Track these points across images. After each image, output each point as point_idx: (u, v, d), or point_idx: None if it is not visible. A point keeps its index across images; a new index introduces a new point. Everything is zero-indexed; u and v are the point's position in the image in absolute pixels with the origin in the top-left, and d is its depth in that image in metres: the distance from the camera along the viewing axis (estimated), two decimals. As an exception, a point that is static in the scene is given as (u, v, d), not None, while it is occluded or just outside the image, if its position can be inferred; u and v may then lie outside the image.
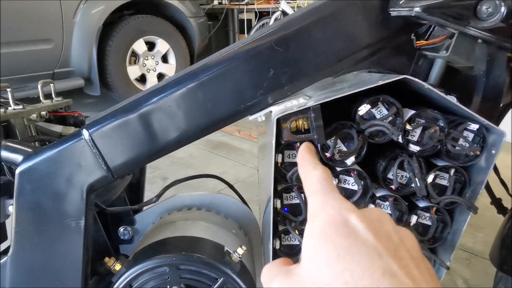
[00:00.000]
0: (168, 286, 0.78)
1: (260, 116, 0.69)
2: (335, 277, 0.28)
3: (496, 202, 1.11)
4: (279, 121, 0.63)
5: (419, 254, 0.31)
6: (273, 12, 4.72)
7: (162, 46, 4.19)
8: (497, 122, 0.79)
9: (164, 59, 4.29)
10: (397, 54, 0.72)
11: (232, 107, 0.68)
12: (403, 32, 0.71)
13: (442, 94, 0.62)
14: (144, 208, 1.03)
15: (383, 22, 0.68)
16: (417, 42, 0.77)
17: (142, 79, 4.20)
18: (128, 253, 0.99)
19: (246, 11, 5.49)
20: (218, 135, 3.53)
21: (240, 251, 0.79)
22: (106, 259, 0.81)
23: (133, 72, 4.07)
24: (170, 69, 4.25)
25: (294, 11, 4.43)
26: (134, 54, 4.09)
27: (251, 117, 0.69)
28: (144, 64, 4.15)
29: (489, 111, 0.74)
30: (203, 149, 3.27)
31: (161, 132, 0.70)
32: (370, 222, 0.31)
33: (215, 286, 0.77)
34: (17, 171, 0.70)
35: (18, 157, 0.73)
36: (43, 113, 0.92)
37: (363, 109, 0.62)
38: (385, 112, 0.66)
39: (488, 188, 0.95)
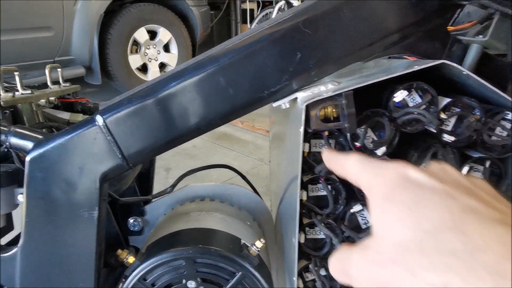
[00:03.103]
0: (184, 280, 0.75)
1: (284, 103, 0.65)
2: (413, 230, 0.25)
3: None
4: (307, 108, 0.59)
5: (496, 193, 0.28)
6: (277, 2, 4.64)
7: (164, 35, 4.13)
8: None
9: (166, 48, 4.23)
10: (429, 39, 0.68)
11: (255, 93, 0.64)
12: (437, 16, 0.67)
13: (482, 81, 0.59)
14: (154, 199, 1.00)
15: (417, 4, 0.64)
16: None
17: (144, 68, 4.15)
18: (138, 244, 0.96)
19: (249, 1, 5.42)
20: (221, 126, 3.49)
21: (259, 244, 0.76)
22: (119, 251, 0.77)
23: (135, 61, 4.01)
24: (172, 59, 4.19)
25: (299, 1, 4.37)
26: (136, 43, 4.03)
27: (275, 104, 0.65)
28: (145, 53, 4.09)
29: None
30: (206, 140, 3.24)
31: (180, 119, 0.66)
32: (431, 172, 0.29)
33: (233, 280, 0.74)
34: (28, 158, 0.67)
35: (28, 144, 0.69)
36: (52, 98, 0.88)
37: (399, 95, 0.59)
38: (418, 100, 0.62)
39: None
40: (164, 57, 4.18)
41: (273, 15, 4.51)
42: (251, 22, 5.34)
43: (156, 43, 4.12)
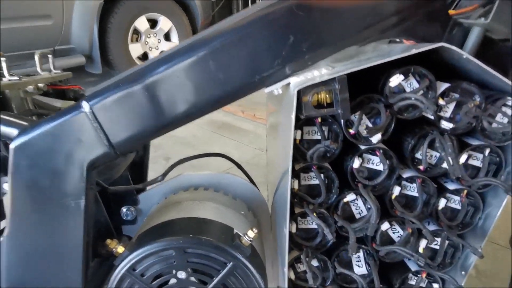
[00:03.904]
0: (174, 271, 0.73)
1: (277, 88, 0.62)
2: None
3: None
4: (299, 94, 0.57)
5: None
6: (279, -10, 4.57)
7: (164, 23, 4.08)
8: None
9: (167, 37, 4.18)
10: (429, 22, 0.65)
11: (246, 77, 0.62)
12: (437, -2, 0.64)
13: (483, 65, 0.56)
14: (148, 187, 0.98)
15: (416, -15, 0.61)
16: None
17: (145, 57, 4.10)
18: (131, 234, 0.94)
19: (251, -11, 5.34)
20: (222, 115, 3.46)
21: (251, 234, 0.73)
22: (108, 241, 0.76)
23: (135, 50, 3.97)
24: (172, 47, 4.15)
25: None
26: (136, 32, 3.98)
27: (267, 90, 0.63)
28: (146, 42, 4.05)
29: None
30: (206, 129, 3.21)
31: (168, 105, 0.64)
32: None
33: (224, 271, 0.73)
34: (12, 146, 0.65)
35: (14, 131, 0.67)
36: (41, 85, 0.86)
37: (395, 80, 0.56)
38: (416, 85, 0.59)
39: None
40: (165, 46, 4.13)
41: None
42: (253, 10, 5.27)
43: (156, 31, 4.07)
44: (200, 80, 0.62)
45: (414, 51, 0.55)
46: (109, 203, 0.94)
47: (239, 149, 2.83)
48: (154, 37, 4.14)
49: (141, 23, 4.01)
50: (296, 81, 0.60)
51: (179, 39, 4.21)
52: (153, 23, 4.13)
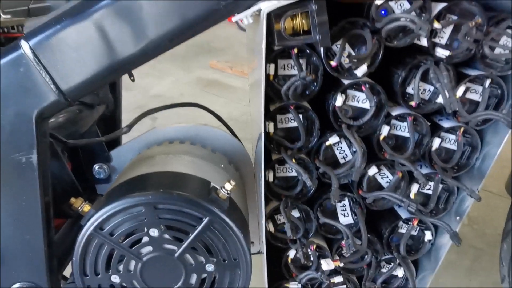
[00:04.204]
0: (145, 229, 0.68)
1: (246, 16, 0.53)
2: None
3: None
4: (270, 18, 0.48)
5: None
6: None
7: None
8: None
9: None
10: None
11: (209, 4, 0.53)
12: None
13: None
14: (122, 144, 0.91)
15: None
16: None
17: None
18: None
19: None
20: (210, 72, 3.36)
21: (228, 186, 0.68)
22: (73, 199, 0.70)
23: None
24: None
25: None
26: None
27: (234, 18, 0.54)
28: None
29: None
30: (194, 87, 3.12)
31: (121, 41, 0.55)
32: None
33: (200, 226, 0.67)
34: None
35: None
36: (-14, 30, 0.76)
37: (382, -5, 0.47)
38: (407, 5, 0.51)
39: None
40: None
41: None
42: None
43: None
44: (156, 9, 0.54)
45: (404, -40, 0.46)
46: (80, 161, 0.89)
47: (228, 106, 2.77)
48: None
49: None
50: (267, 6, 0.51)
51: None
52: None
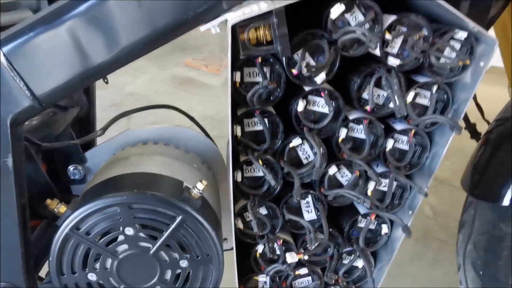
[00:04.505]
0: (121, 228, 0.70)
1: (213, 26, 0.57)
2: None
3: (471, 127, 1.07)
4: (235, 30, 0.52)
5: None
6: None
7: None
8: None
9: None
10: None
11: (178, 14, 0.56)
12: None
13: (429, -6, 0.52)
14: (97, 145, 0.93)
15: None
16: None
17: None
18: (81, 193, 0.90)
19: None
20: (185, 70, 3.35)
21: (201, 186, 0.71)
22: (48, 201, 0.71)
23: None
24: None
25: None
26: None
27: (202, 28, 0.58)
28: None
29: (477, 21, 0.65)
30: (169, 85, 3.11)
31: (94, 49, 0.58)
32: None
33: (173, 224, 0.70)
34: None
35: None
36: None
37: (336, 10, 0.52)
38: (361, 17, 0.55)
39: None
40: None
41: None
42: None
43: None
44: (127, 19, 0.56)
45: (357, -21, 0.51)
46: (55, 163, 0.89)
47: (203, 105, 2.77)
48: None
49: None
50: (233, 16, 0.54)
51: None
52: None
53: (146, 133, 0.94)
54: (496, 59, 0.87)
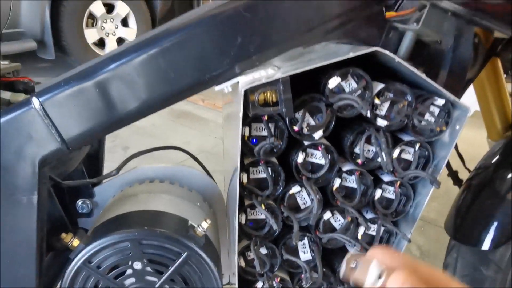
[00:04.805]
0: (130, 262, 0.76)
1: (226, 86, 0.65)
2: None
3: (453, 175, 1.15)
4: (246, 93, 0.60)
5: None
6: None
7: (121, 8, 3.95)
8: (458, 96, 0.80)
9: (124, 23, 4.06)
10: (368, 26, 0.70)
11: (196, 76, 0.64)
12: (375, 3, 0.69)
13: (412, 68, 0.62)
14: (104, 180, 0.98)
15: (355, -9, 0.65)
16: (386, 13, 0.75)
17: (101, 43, 3.97)
18: (87, 226, 0.95)
19: (211, -25, 5.27)
20: (182, 104, 3.43)
21: (205, 224, 0.77)
22: (63, 234, 0.76)
23: (91, 35, 3.83)
24: (130, 34, 4.03)
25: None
26: (92, 17, 3.84)
27: (217, 88, 0.66)
28: (102, 28, 3.92)
29: (454, 85, 0.75)
30: (166, 118, 3.18)
31: (120, 102, 0.65)
32: None
33: (179, 260, 0.76)
34: (-41, 141, 0.64)
35: (-40, 126, 0.66)
36: (-12, 78, 0.84)
37: (333, 82, 0.61)
38: (354, 85, 0.64)
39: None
40: (122, 32, 4.01)
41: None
42: (213, -3, 5.21)
43: (113, 17, 3.94)
44: (151, 78, 0.64)
45: (351, 54, 0.60)
46: (64, 197, 0.94)
47: (200, 138, 2.84)
48: (111, 22, 4.01)
49: (97, 7, 3.87)
50: (244, 80, 0.63)
51: (137, 25, 4.10)
52: (109, 7, 4.00)
53: (152, 171, 1.00)
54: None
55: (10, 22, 3.35)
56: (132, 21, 4.09)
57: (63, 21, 3.64)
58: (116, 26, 4.03)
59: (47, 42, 3.58)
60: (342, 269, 0.42)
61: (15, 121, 0.65)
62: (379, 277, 0.36)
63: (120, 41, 4.07)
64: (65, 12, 3.63)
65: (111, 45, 3.99)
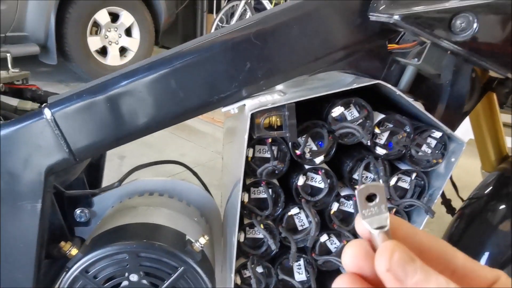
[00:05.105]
0: (126, 274, 0.77)
1: (233, 108, 0.68)
2: None
3: (446, 203, 1.18)
4: (253, 116, 0.62)
5: None
6: (244, -5, 4.63)
7: (126, 18, 4.00)
8: (454, 128, 0.83)
9: (128, 32, 4.11)
10: (371, 58, 0.73)
11: (205, 97, 0.67)
12: (379, 37, 0.72)
13: (411, 101, 0.65)
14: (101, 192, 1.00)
15: (361, 25, 0.69)
16: (388, 45, 0.79)
17: (103, 51, 4.01)
18: (84, 235, 0.96)
19: (216, -9, 5.36)
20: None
21: (202, 240, 0.78)
22: (62, 243, 0.77)
23: (94, 43, 3.87)
24: (133, 43, 4.08)
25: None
26: (96, 25, 3.89)
27: (223, 109, 0.68)
28: (106, 36, 3.96)
29: (451, 119, 0.78)
30: (163, 130, 3.18)
31: (129, 118, 0.67)
32: None
33: (175, 275, 0.77)
34: (-31, 147, 0.66)
35: (-29, 133, 0.68)
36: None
37: (336, 111, 0.63)
38: (356, 114, 0.67)
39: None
40: (125, 41, 4.06)
41: (239, 8, 4.50)
42: (217, 12, 5.30)
43: (117, 26, 3.99)
44: (161, 97, 0.67)
45: (355, 86, 0.63)
46: (63, 205, 0.95)
47: (196, 151, 2.85)
48: (115, 31, 4.05)
49: (102, 16, 3.92)
50: (251, 104, 0.66)
51: (140, 35, 4.15)
52: (114, 17, 4.05)
53: (152, 184, 1.02)
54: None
55: (15, 26, 3.39)
56: (136, 31, 4.14)
57: (68, 28, 3.68)
58: (120, 35, 4.07)
59: (50, 47, 3.61)
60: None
61: (26, 130, 0.67)
62: (371, 200, 0.26)
63: (122, 50, 4.12)
64: (70, 19, 3.67)
65: (113, 54, 4.03)
